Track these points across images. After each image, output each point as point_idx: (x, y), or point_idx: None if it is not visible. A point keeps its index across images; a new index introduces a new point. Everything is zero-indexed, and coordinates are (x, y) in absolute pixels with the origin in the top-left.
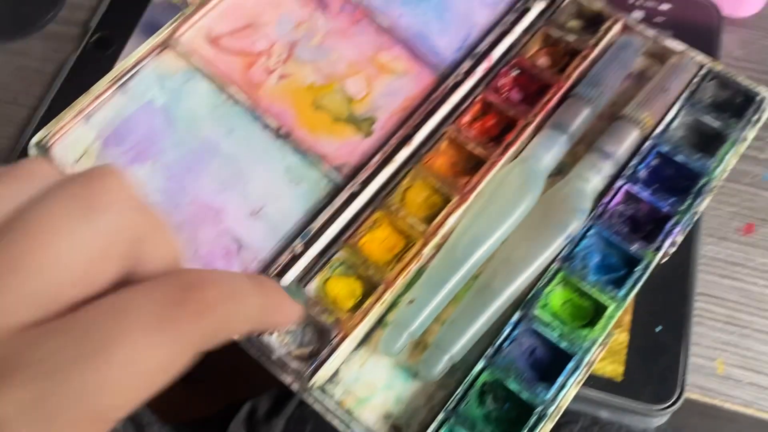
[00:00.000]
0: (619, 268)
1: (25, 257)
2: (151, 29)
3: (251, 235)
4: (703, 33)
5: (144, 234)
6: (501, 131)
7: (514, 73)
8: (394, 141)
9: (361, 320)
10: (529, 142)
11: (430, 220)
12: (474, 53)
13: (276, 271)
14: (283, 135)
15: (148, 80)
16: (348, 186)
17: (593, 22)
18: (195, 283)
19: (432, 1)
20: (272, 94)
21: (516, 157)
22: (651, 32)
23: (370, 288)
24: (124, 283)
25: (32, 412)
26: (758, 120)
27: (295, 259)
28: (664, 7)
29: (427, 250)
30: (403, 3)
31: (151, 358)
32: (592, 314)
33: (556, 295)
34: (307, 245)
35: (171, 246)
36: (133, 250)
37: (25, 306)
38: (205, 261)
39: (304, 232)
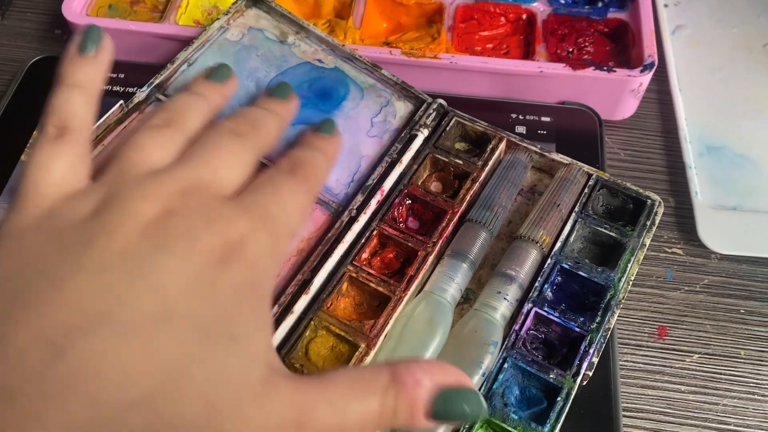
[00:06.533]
0: (540, 400)
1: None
2: None
3: None
4: (587, 139)
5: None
6: (402, 264)
7: (408, 202)
8: (291, 289)
9: None
10: (431, 272)
11: None
12: (365, 186)
13: None
14: None
15: None
16: None
17: (478, 143)
18: (297, 163)
19: None
20: None
21: (420, 291)
22: (536, 147)
23: None
24: None
25: (263, 229)
26: (653, 224)
27: None
28: (546, 119)
29: None
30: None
31: (297, 199)
32: None
33: None
34: None
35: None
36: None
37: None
38: None
39: None
